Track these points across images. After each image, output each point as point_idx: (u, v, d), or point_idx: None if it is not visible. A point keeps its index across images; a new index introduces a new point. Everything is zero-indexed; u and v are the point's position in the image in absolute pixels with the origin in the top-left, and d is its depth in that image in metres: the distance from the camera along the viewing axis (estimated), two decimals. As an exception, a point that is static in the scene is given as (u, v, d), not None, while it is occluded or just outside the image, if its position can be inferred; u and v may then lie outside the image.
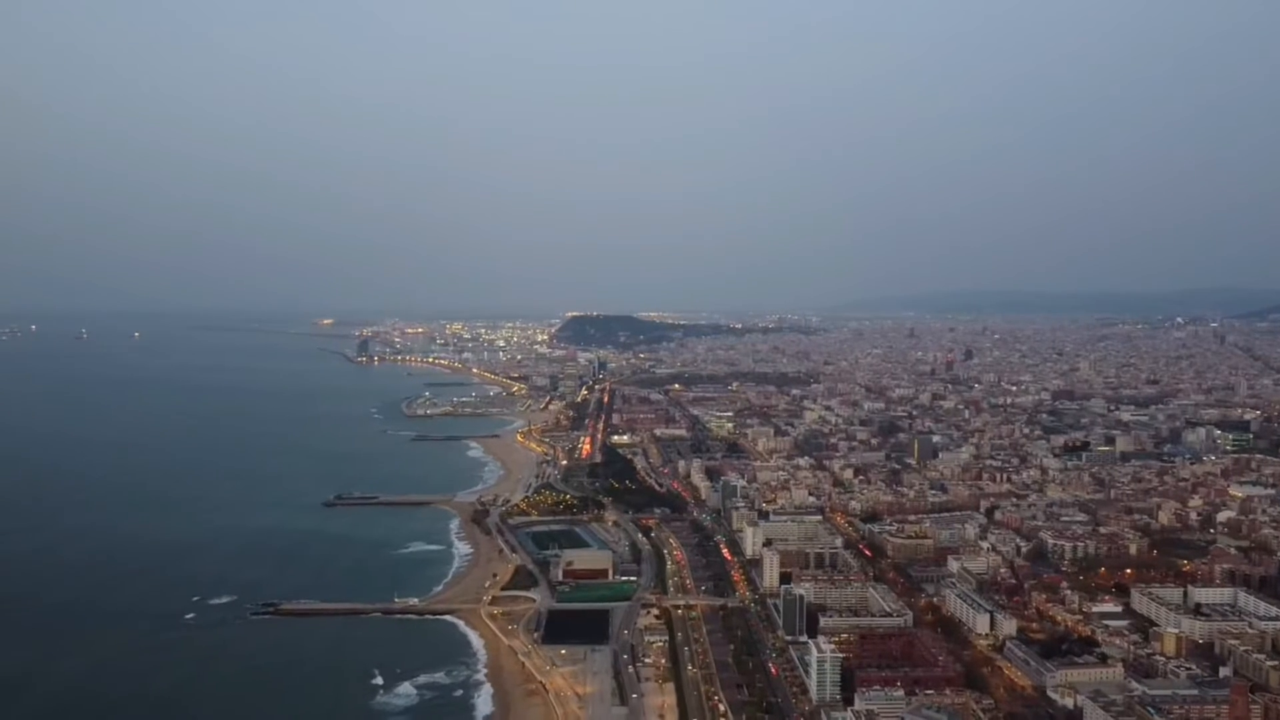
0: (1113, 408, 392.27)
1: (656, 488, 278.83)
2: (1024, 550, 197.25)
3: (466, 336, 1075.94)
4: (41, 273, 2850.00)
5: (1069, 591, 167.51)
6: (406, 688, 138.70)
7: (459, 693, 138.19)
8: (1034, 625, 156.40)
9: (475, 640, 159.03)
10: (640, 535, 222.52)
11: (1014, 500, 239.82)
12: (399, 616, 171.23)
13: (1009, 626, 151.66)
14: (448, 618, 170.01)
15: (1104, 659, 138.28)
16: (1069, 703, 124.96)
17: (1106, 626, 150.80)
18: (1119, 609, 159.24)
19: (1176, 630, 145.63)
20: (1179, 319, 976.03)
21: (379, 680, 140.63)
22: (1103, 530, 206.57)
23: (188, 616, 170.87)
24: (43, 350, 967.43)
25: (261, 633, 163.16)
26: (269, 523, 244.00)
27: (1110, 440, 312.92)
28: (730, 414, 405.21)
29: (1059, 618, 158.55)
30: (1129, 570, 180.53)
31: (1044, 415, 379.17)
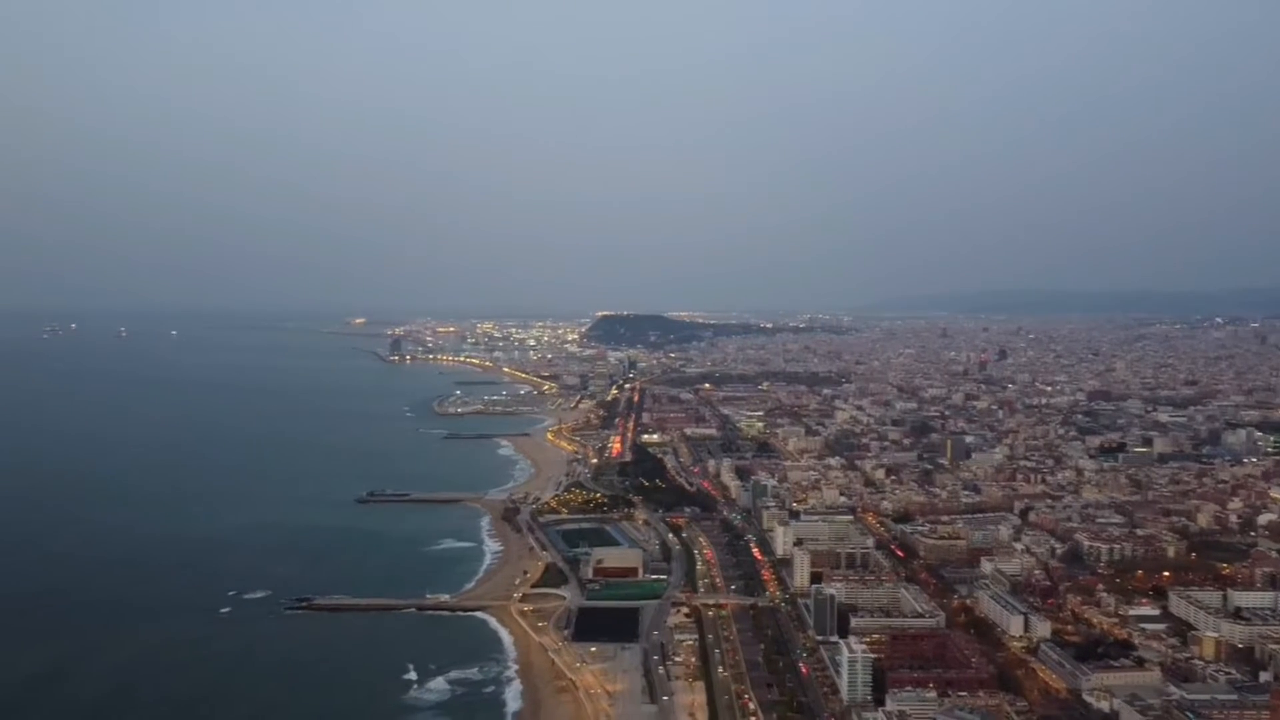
0: (1150, 409, 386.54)
1: (686, 487, 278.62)
2: (1059, 552, 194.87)
3: (497, 336, 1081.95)
4: (83, 273, 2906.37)
5: (1105, 594, 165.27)
6: (438, 683, 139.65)
7: (490, 689, 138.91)
8: (1069, 628, 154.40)
9: (506, 637, 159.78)
10: (670, 534, 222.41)
11: (1048, 502, 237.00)
12: (430, 613, 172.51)
13: (1043, 629, 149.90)
14: (478, 614, 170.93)
15: (1141, 662, 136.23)
16: (1105, 706, 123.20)
17: (1143, 630, 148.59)
18: (1156, 612, 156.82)
19: (1216, 634, 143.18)
20: (1218, 319, 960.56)
21: (411, 675, 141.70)
22: (1140, 532, 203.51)
23: (223, 611, 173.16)
24: (83, 348, 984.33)
25: (295, 628, 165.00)
26: (303, 519, 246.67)
27: (1147, 441, 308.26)
28: (761, 413, 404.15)
29: (1094, 620, 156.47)
30: (1166, 573, 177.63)
31: (1079, 416, 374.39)
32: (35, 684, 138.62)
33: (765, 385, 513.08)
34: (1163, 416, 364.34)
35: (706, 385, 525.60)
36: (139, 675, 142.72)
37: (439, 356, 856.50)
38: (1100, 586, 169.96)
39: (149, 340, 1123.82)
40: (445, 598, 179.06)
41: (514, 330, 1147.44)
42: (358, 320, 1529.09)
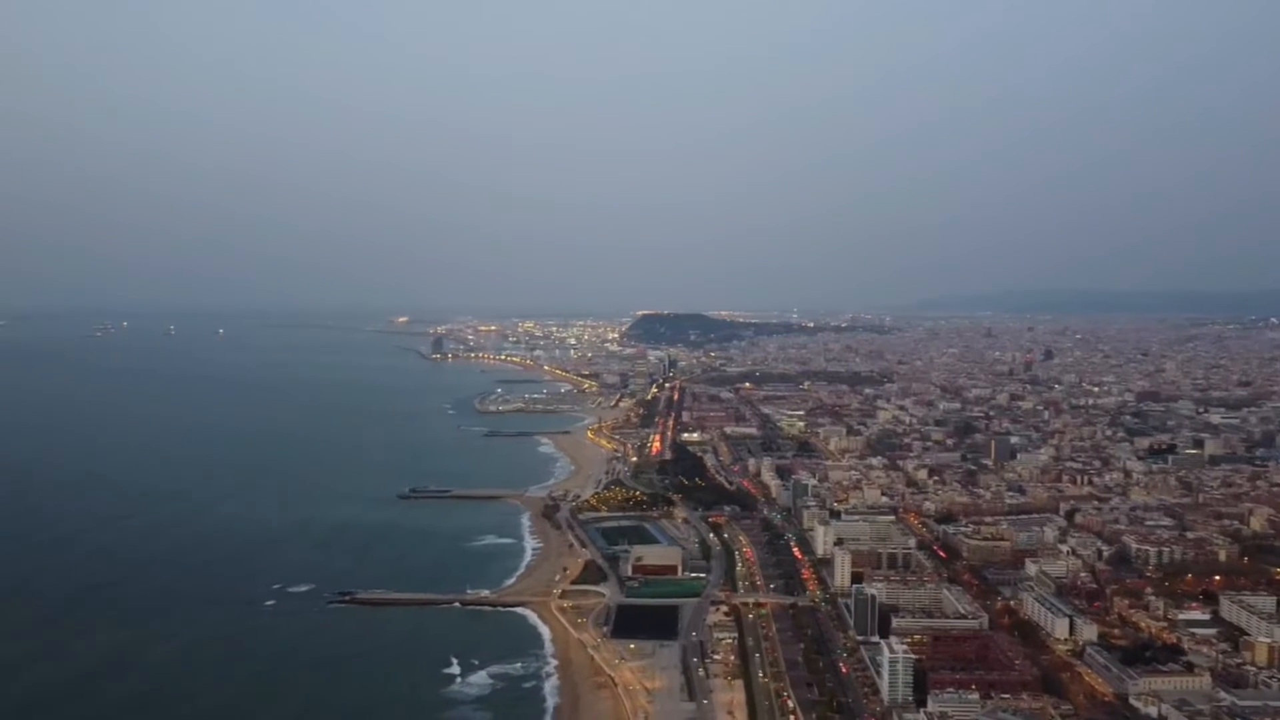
0: (1201, 410, 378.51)
1: (726, 485, 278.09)
2: (1106, 554, 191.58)
3: (538, 334, 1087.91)
4: (131, 271, 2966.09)
5: (1153, 597, 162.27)
6: (480, 677, 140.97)
7: (530, 683, 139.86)
8: (1115, 631, 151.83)
9: (545, 633, 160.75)
10: (710, 532, 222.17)
11: (1095, 503, 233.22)
12: (471, 608, 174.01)
13: (1089, 632, 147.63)
14: (519, 610, 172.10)
15: (1190, 668, 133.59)
16: (1153, 711, 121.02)
17: (1193, 634, 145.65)
18: (1207, 616, 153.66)
19: (1269, 640, 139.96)
20: (1274, 319, 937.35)
21: (454, 669, 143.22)
22: (1190, 535, 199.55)
23: (267, 604, 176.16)
24: (134, 346, 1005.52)
25: (339, 621, 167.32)
26: (347, 514, 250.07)
27: (1198, 443, 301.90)
28: (801, 413, 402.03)
29: (1142, 624, 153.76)
30: (1218, 577, 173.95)
31: (1128, 417, 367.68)
32: (92, 674, 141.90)
33: (806, 385, 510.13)
34: (1215, 418, 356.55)
35: (747, 384, 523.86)
36: (196, 663, 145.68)
37: (480, 355, 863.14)
38: (1149, 590, 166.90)
39: (196, 338, 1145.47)
40: (486, 593, 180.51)
41: (554, 329, 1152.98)
42: (401, 319, 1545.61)
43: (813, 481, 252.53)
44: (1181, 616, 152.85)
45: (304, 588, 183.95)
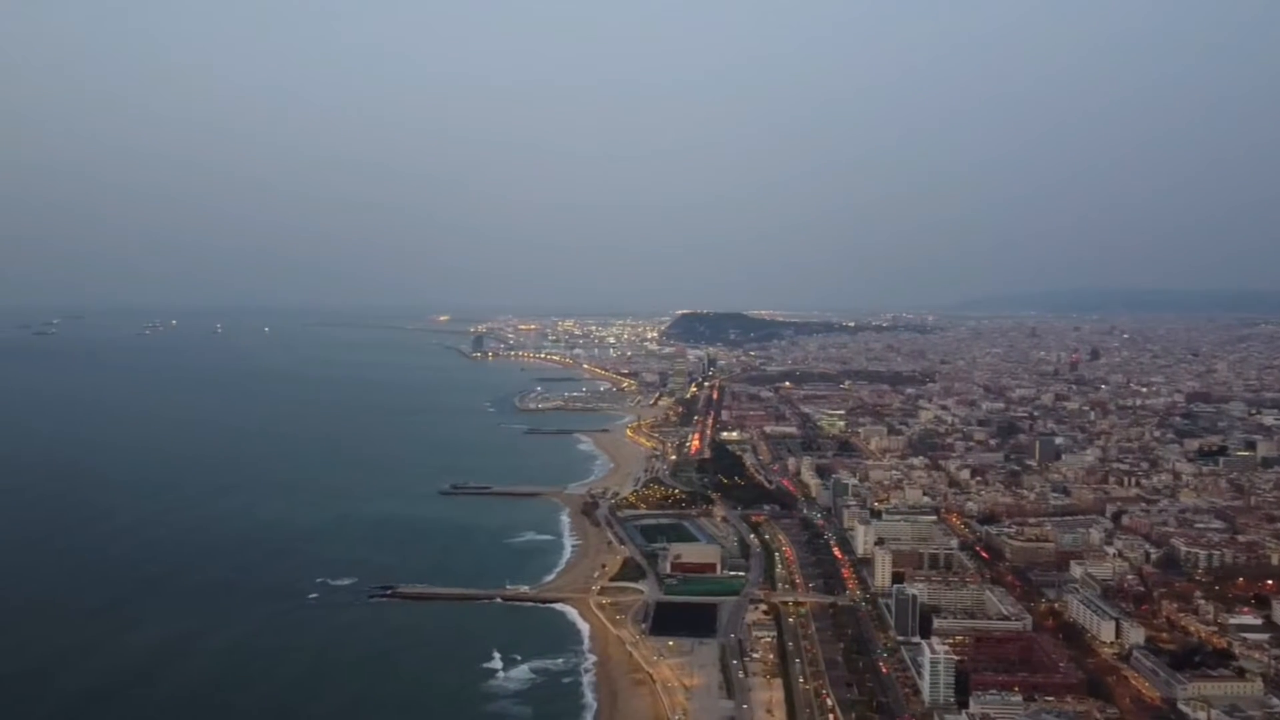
0: (1254, 411, 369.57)
1: (766, 484, 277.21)
2: (1153, 557, 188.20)
3: (578, 333, 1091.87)
4: (180, 272, 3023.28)
5: (1203, 601, 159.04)
6: (520, 671, 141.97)
7: (569, 679, 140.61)
8: (1163, 635, 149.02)
9: (584, 629, 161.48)
10: (749, 531, 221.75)
11: (1143, 505, 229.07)
12: (511, 603, 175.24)
13: (1136, 635, 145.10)
14: (558, 606, 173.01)
15: (1241, 673, 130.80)
16: (1202, 717, 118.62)
17: (1245, 639, 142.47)
18: (1259, 621, 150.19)
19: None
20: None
21: (494, 664, 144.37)
22: (1241, 538, 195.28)
23: (311, 596, 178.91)
24: (182, 344, 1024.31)
25: (380, 615, 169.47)
26: (389, 509, 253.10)
27: (1250, 445, 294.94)
28: (842, 412, 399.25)
29: (1192, 628, 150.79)
30: (1270, 581, 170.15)
31: (1177, 418, 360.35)
32: (144, 668, 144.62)
33: (847, 384, 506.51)
34: (1268, 419, 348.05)
35: (787, 383, 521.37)
36: (238, 661, 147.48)
37: (520, 353, 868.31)
38: (1198, 593, 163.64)
39: (243, 336, 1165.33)
40: (525, 589, 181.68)
41: (594, 328, 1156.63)
42: (442, 317, 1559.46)
43: (853, 481, 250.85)
44: (1232, 621, 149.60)
45: (346, 582, 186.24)
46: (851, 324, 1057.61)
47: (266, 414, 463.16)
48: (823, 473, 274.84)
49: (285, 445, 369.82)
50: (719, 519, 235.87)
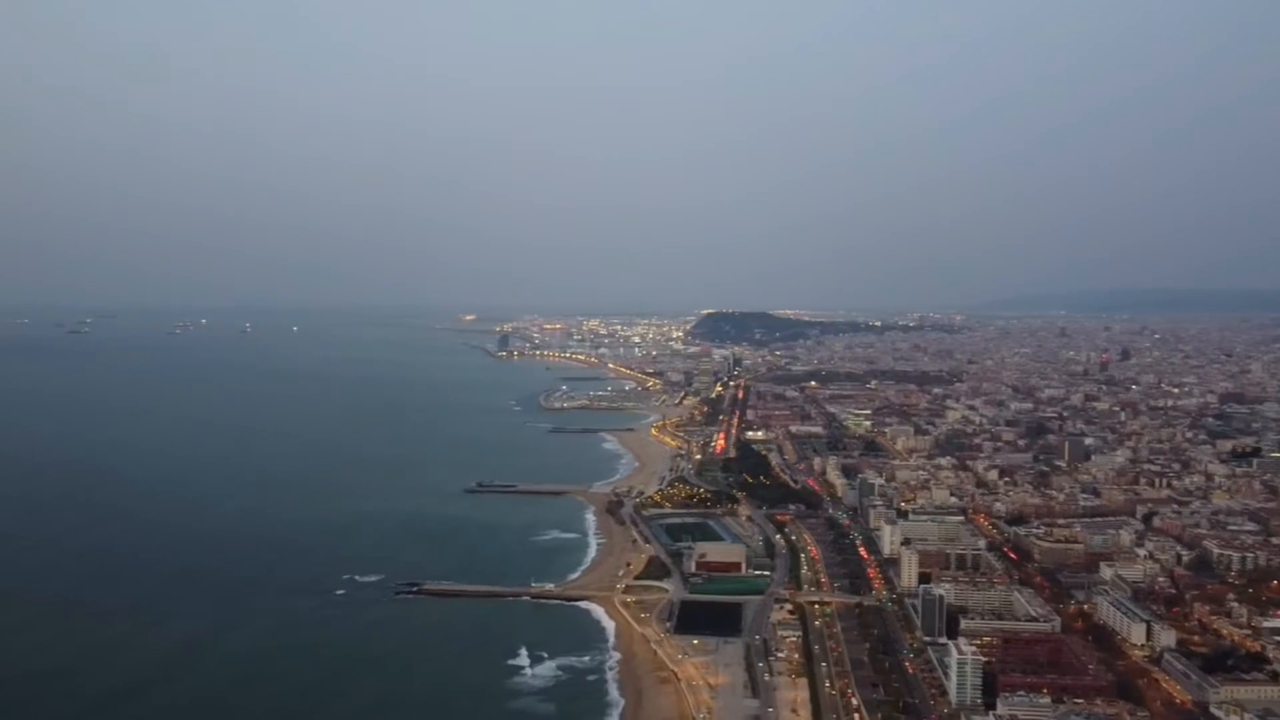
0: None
1: (791, 484, 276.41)
2: (1185, 559, 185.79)
3: (603, 333, 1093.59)
4: (212, 274, 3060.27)
5: (1236, 604, 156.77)
6: (546, 669, 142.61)
7: (594, 676, 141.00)
8: (1195, 638, 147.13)
9: (609, 627, 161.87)
10: (774, 531, 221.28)
11: (1174, 507, 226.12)
12: (536, 601, 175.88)
13: (1167, 637, 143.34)
14: (583, 604, 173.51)
15: (1275, 677, 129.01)
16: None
17: (1278, 642, 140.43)
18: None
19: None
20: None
21: (520, 661, 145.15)
22: (1275, 540, 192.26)
23: (338, 593, 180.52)
24: (212, 343, 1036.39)
25: (407, 611, 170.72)
26: (415, 507, 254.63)
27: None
28: (868, 412, 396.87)
29: (1224, 631, 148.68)
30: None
31: (1210, 419, 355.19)
32: (173, 662, 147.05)
33: (873, 384, 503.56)
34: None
35: (812, 383, 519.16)
36: (267, 655, 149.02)
37: (545, 352, 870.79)
38: (1231, 596, 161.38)
39: (272, 336, 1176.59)
40: (551, 587, 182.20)
41: (619, 327, 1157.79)
42: (468, 317, 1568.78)
43: (879, 481, 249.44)
44: (1266, 624, 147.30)
45: (373, 578, 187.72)
46: (878, 324, 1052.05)
47: (293, 413, 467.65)
48: (848, 472, 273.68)
49: (312, 445, 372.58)
50: (744, 518, 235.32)
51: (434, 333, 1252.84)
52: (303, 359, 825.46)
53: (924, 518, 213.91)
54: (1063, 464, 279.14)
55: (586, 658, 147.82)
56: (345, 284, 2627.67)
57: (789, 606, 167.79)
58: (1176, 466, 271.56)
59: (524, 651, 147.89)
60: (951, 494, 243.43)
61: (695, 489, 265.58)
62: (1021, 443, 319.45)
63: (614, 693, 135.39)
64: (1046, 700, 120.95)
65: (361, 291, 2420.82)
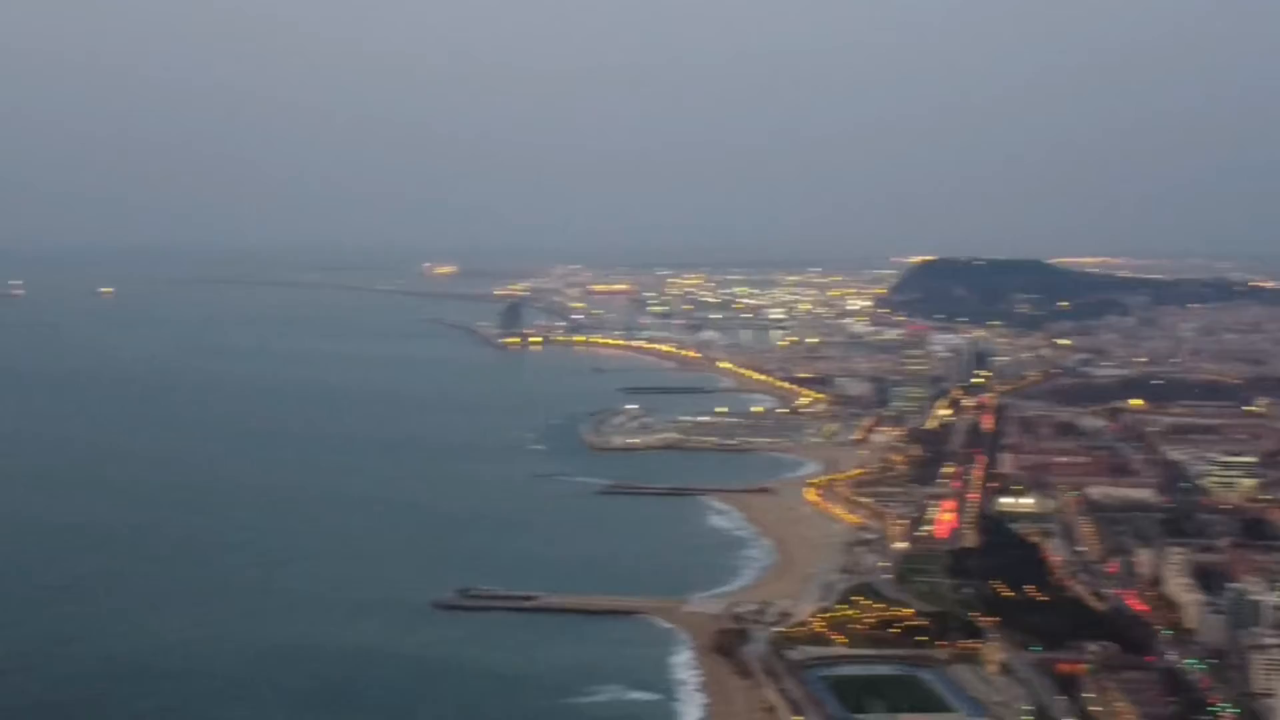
0: None
1: (1089, 600, 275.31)
2: None
3: (709, 299, 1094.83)
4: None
5: None
6: None
7: None
8: None
9: None
10: (1054, 694, 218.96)
11: None
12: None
13: None
14: None
15: None
16: None
17: None
18: None
19: None
20: None
21: None
22: None
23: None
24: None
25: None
26: (342, 642, 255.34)
27: None
28: (1251, 459, 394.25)
29: None
30: None
31: None
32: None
33: (1262, 404, 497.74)
34: None
35: (1133, 401, 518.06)
36: None
37: (594, 337, 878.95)
38: None
39: (61, 304, 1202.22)
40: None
41: (740, 289, 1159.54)
42: (441, 268, 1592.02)
43: (1275, 598, 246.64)
44: None
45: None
46: (1269, 284, 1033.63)
47: (113, 460, 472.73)
48: (1209, 579, 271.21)
49: (150, 528, 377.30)
50: (993, 667, 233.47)
51: (378, 297, 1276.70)
52: (116, 347, 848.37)
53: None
54: None
55: None
56: (202, 213, 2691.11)
57: None
58: None
59: None
60: None
61: (894, 608, 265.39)
62: None
63: None
64: None
65: (230, 224, 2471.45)
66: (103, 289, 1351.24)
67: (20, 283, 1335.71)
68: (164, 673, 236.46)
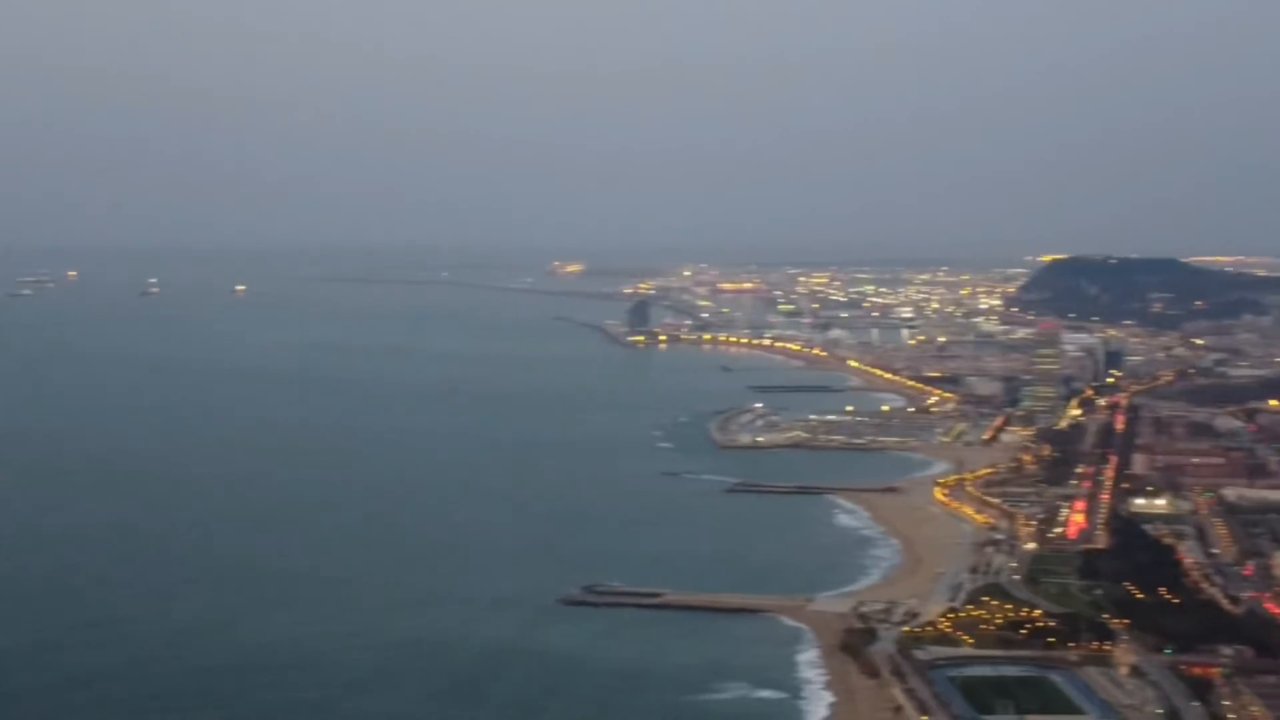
0: None
1: (1225, 603, 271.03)
2: None
3: (837, 298, 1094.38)
4: (86, 192, 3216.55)
5: None
6: None
7: None
8: None
9: None
10: (1189, 699, 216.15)
11: None
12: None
13: None
14: None
15: None
16: None
17: None
18: None
19: None
20: None
21: None
22: None
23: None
24: (83, 316, 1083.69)
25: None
26: (467, 634, 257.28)
27: None
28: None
29: None
30: None
31: None
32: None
33: None
34: None
35: (1271, 401, 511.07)
36: None
37: (722, 336, 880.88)
38: None
39: (197, 300, 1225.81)
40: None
41: (869, 288, 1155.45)
42: (569, 267, 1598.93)
43: None
44: None
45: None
46: None
47: (268, 456, 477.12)
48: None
49: (293, 501, 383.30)
50: (1125, 669, 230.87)
51: (505, 296, 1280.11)
52: (254, 345, 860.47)
53: None
54: None
55: None
56: (324, 210, 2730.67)
57: None
58: None
59: None
60: None
61: (1024, 609, 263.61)
62: None
63: None
64: None
65: (350, 223, 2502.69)
66: (237, 287, 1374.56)
67: (155, 280, 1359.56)
68: (296, 666, 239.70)
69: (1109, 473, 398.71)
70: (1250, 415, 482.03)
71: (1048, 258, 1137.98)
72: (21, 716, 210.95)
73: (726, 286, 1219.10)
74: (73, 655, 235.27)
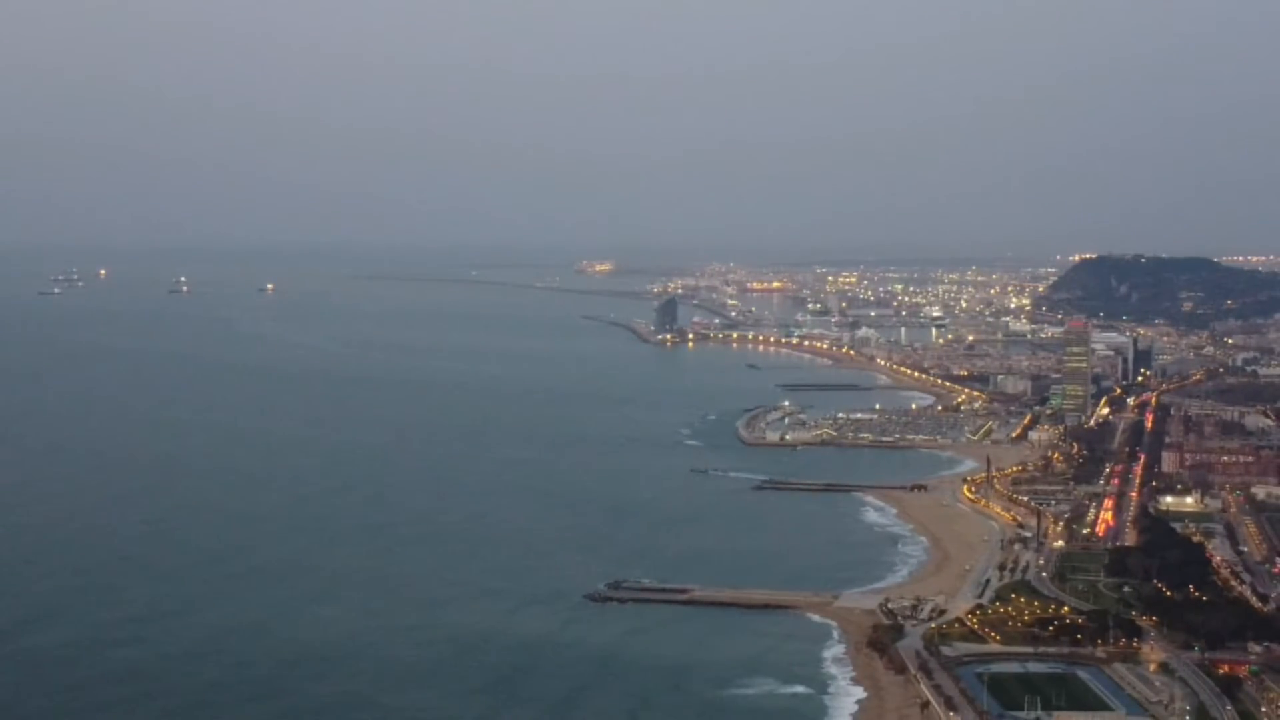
0: None
1: (1253, 601, 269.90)
2: None
3: (865, 297, 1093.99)
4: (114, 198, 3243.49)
5: None
6: None
7: None
8: None
9: None
10: (1216, 697, 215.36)
11: None
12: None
13: None
14: None
15: None
16: None
17: None
18: None
19: None
20: None
21: None
22: None
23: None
24: (114, 312, 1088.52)
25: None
26: (493, 629, 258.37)
27: None
28: None
29: None
30: None
31: None
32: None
33: None
34: None
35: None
36: None
37: (751, 335, 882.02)
38: None
39: (228, 299, 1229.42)
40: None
41: (898, 287, 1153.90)
42: (600, 266, 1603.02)
43: None
44: None
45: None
46: None
47: (302, 453, 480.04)
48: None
49: (320, 513, 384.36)
50: (1154, 667, 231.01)
51: (536, 295, 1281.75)
52: (293, 348, 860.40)
53: None
54: None
55: None
56: (353, 210, 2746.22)
57: None
58: None
59: None
60: None
61: (1052, 606, 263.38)
62: None
63: None
64: None
65: (380, 223, 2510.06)
66: (267, 285, 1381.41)
67: (184, 278, 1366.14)
68: (338, 661, 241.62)
69: (1138, 471, 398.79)
70: (1279, 413, 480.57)
71: (1078, 257, 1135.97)
72: (74, 709, 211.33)
73: (755, 285, 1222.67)
74: (121, 650, 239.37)
